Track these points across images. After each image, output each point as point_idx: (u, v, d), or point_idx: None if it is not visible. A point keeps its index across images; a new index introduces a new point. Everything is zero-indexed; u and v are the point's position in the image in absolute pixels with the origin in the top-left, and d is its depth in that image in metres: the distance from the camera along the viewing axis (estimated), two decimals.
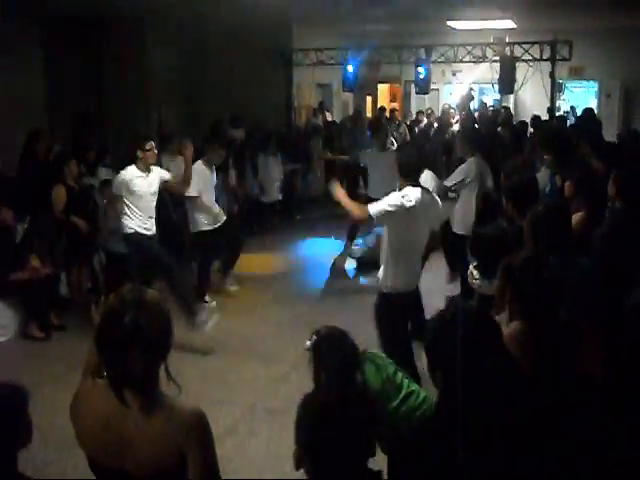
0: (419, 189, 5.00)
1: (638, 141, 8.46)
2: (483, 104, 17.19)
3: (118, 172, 6.83)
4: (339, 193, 5.25)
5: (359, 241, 9.55)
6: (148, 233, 6.67)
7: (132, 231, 6.60)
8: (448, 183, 7.47)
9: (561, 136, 6.95)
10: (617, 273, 3.74)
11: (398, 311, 5.17)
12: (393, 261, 5.12)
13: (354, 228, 9.41)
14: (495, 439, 2.05)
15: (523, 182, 4.56)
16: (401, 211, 4.86)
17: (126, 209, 6.55)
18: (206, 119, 11.08)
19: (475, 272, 4.17)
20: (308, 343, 3.29)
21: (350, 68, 14.55)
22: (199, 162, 7.62)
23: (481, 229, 4.38)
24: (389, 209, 4.88)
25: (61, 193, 7.23)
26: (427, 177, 6.78)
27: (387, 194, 5.03)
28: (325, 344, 3.28)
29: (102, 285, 7.85)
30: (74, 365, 5.98)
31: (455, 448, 2.12)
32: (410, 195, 4.91)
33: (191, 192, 7.40)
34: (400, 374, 3.48)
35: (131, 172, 6.54)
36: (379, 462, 3.65)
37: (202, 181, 7.56)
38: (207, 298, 7.71)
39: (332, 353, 3.24)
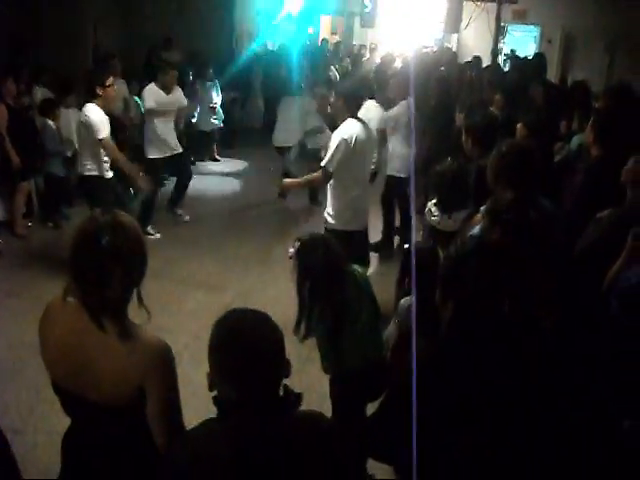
0: (358, 122, 5.14)
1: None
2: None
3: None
4: (290, 184, 5.79)
5: None
6: (111, 174, 6.26)
7: (97, 174, 6.15)
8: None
9: (512, 78, 6.95)
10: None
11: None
12: (338, 198, 5.17)
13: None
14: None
15: (486, 120, 4.54)
16: (348, 150, 4.99)
17: (100, 152, 6.08)
18: (143, 41, 10.61)
19: (434, 209, 4.13)
20: (291, 250, 3.11)
21: None
22: (152, 84, 7.35)
23: (441, 166, 4.36)
24: (340, 155, 5.00)
25: (2, 112, 6.80)
26: (370, 106, 6.81)
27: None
28: (310, 248, 3.09)
29: (37, 208, 7.56)
30: (12, 291, 5.86)
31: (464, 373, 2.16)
32: (350, 130, 5.04)
33: (149, 105, 7.21)
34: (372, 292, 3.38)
35: (98, 112, 5.99)
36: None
37: (155, 101, 7.28)
38: (150, 230, 7.35)
39: (318, 257, 3.05)
